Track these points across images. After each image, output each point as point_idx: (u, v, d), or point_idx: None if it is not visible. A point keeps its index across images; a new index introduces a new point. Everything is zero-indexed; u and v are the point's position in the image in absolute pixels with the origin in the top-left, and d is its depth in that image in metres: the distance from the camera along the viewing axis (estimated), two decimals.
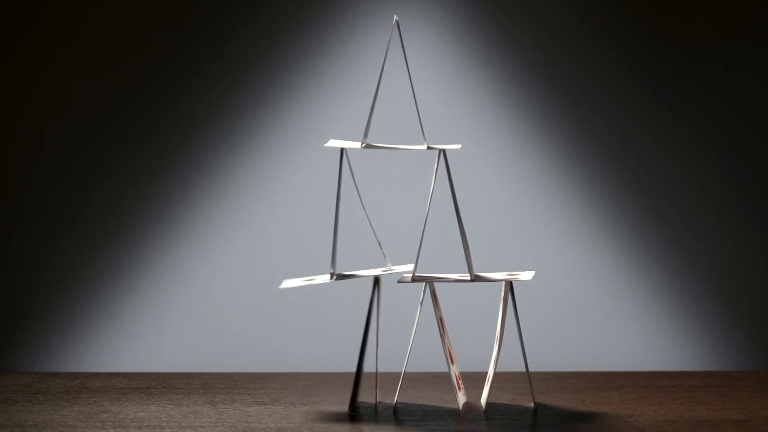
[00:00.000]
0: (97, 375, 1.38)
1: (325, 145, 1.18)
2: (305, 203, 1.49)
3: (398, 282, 1.18)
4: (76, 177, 1.49)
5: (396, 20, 1.16)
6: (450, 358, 1.19)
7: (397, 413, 1.14)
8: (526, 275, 1.16)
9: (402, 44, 1.17)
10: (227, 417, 1.11)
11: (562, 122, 1.48)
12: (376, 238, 1.23)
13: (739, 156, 1.48)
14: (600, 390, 1.26)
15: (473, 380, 1.25)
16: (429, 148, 1.18)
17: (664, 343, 1.47)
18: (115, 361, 1.47)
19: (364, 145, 1.18)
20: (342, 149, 1.18)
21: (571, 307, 1.48)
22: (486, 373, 1.18)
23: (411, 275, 1.17)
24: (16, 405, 1.18)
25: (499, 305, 1.18)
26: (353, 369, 1.44)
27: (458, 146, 1.19)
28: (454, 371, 1.19)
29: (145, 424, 1.08)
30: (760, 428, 1.06)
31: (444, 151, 1.17)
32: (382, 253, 1.22)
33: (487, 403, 1.17)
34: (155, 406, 1.18)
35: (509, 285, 1.16)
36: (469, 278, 1.16)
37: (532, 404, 1.17)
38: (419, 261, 1.17)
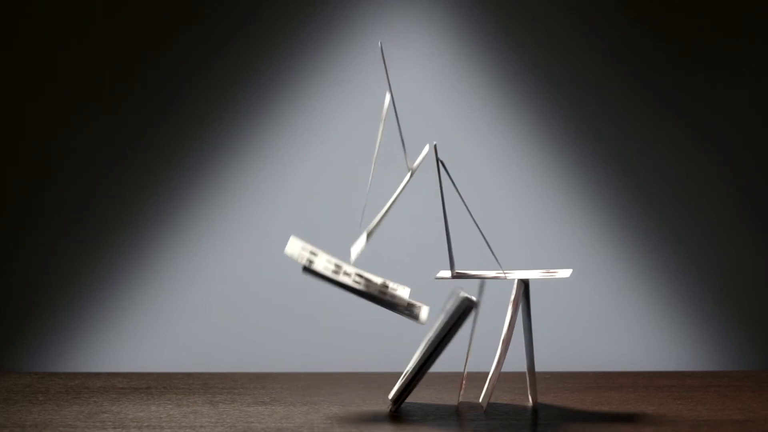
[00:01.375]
0: (97, 375, 1.38)
1: (351, 265, 1.12)
2: (305, 203, 1.49)
3: (436, 278, 1.16)
4: (76, 177, 1.49)
5: (380, 45, 1.15)
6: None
7: (397, 413, 1.14)
8: (564, 273, 1.14)
9: (385, 67, 1.15)
10: (227, 417, 1.11)
11: (562, 122, 1.48)
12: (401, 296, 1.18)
13: (739, 156, 1.48)
14: (600, 390, 1.26)
15: (474, 380, 1.25)
16: (412, 172, 1.15)
17: (664, 343, 1.47)
18: (115, 361, 1.47)
19: (367, 236, 1.12)
20: (307, 267, 1.10)
21: (571, 307, 1.48)
22: (487, 373, 1.18)
23: (450, 272, 1.15)
24: (16, 405, 1.18)
25: (504, 305, 1.17)
26: (352, 369, 1.44)
27: (426, 149, 1.15)
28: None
29: (145, 424, 1.08)
30: (760, 428, 1.06)
31: (442, 162, 1.13)
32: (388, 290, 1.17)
33: (488, 403, 1.17)
34: (155, 406, 1.18)
35: (522, 286, 1.14)
36: (505, 278, 1.14)
37: (530, 403, 1.17)
38: (454, 259, 1.15)
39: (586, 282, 1.47)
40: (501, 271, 1.15)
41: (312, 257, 1.10)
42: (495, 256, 1.15)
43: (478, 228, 1.15)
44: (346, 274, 1.10)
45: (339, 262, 1.11)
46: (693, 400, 1.19)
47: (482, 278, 1.15)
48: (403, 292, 1.13)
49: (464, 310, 1.11)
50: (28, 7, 1.50)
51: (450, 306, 1.13)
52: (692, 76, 1.47)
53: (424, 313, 1.12)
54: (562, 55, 1.48)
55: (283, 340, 1.48)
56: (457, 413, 1.14)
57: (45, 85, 1.49)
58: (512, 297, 1.13)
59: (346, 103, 1.48)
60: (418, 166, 1.15)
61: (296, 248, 1.11)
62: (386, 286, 1.13)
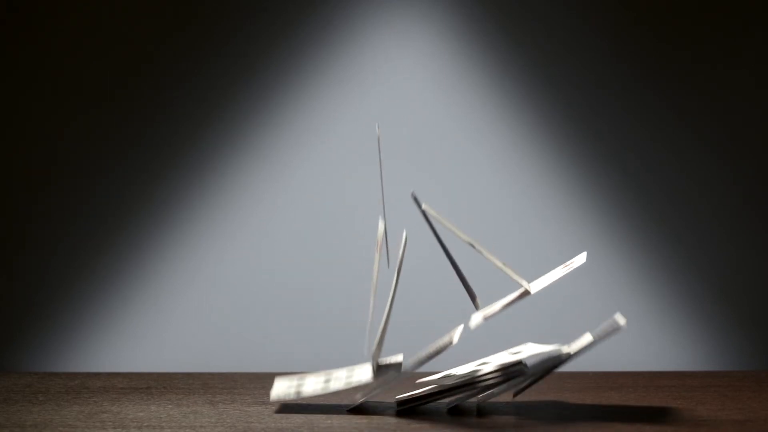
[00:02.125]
0: (97, 375, 1.38)
1: (336, 370, 1.14)
2: (305, 203, 1.49)
3: (472, 326, 1.14)
4: (76, 177, 1.49)
5: (377, 129, 1.13)
6: None
7: (397, 411, 1.14)
8: (579, 260, 1.13)
9: (380, 156, 1.13)
10: (227, 417, 1.11)
11: (561, 122, 1.48)
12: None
13: (739, 156, 1.48)
14: (600, 390, 1.26)
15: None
16: (398, 270, 1.12)
17: (664, 343, 1.47)
18: (115, 361, 1.47)
19: (373, 365, 1.13)
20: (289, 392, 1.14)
21: (571, 307, 1.48)
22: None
23: (481, 316, 1.11)
24: (16, 405, 1.18)
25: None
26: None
27: (403, 239, 1.13)
28: None
29: (145, 424, 1.08)
30: (760, 428, 1.06)
31: (426, 212, 1.11)
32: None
33: (486, 402, 1.17)
34: (155, 406, 1.17)
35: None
36: (529, 292, 1.12)
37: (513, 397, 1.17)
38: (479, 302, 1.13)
39: (586, 282, 1.47)
40: (524, 288, 1.13)
41: (300, 384, 1.14)
42: (515, 277, 1.13)
43: (490, 258, 1.12)
44: (338, 378, 1.14)
45: (326, 374, 1.15)
46: (693, 400, 1.19)
47: (512, 305, 1.13)
48: (395, 358, 1.15)
49: (512, 377, 1.12)
50: (29, 7, 1.50)
51: (508, 361, 1.13)
52: (692, 76, 1.47)
53: (455, 336, 1.11)
54: (562, 55, 1.48)
55: (283, 340, 1.47)
56: (455, 413, 1.14)
57: (45, 86, 1.49)
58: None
59: (346, 103, 1.48)
60: (402, 262, 1.14)
61: (282, 388, 1.15)
62: (378, 366, 1.14)
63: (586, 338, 1.12)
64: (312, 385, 1.14)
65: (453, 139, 1.48)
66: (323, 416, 1.12)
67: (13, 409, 1.16)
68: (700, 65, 1.47)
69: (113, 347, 1.48)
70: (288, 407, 1.16)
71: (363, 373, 1.14)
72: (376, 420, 1.10)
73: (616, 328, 1.09)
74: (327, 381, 1.14)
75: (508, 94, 1.48)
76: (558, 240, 1.48)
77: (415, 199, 1.10)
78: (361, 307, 1.47)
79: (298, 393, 1.13)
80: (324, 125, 1.49)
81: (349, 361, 1.47)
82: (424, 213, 1.11)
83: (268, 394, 1.24)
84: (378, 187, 1.48)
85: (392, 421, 1.10)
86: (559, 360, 1.11)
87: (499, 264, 1.11)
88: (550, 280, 1.13)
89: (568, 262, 1.14)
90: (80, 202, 1.49)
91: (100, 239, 1.49)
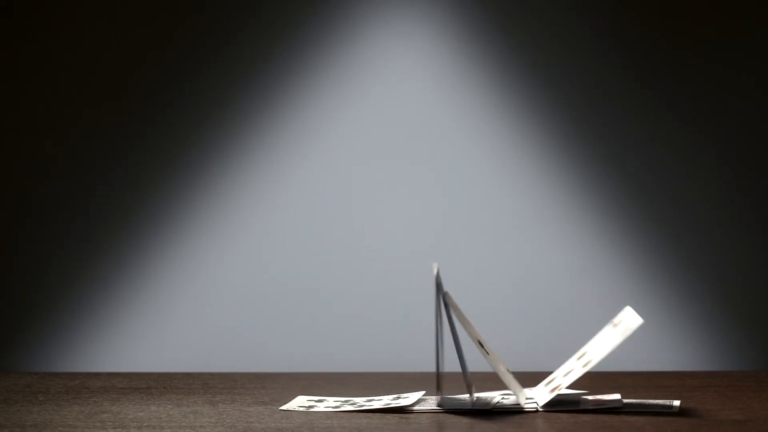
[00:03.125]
0: (97, 375, 1.38)
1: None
2: (305, 203, 1.49)
3: (541, 408, 1.12)
4: (76, 177, 1.49)
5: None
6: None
7: (396, 412, 1.14)
8: (628, 315, 1.13)
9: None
10: (227, 417, 1.11)
11: (562, 122, 1.48)
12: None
13: (739, 156, 1.48)
14: (600, 390, 1.26)
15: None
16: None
17: (664, 343, 1.47)
18: (115, 361, 1.47)
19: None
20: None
21: (571, 307, 1.48)
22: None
23: (541, 403, 1.12)
24: (16, 405, 1.18)
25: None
26: (352, 369, 1.44)
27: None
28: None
29: (145, 424, 1.08)
30: (760, 428, 1.05)
31: (445, 296, 1.11)
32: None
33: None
34: (155, 406, 1.17)
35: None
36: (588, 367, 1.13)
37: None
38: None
39: (586, 282, 1.47)
40: (581, 367, 1.13)
41: (318, 401, 1.16)
42: (514, 389, 1.12)
43: (494, 362, 1.11)
44: (353, 403, 1.14)
45: (344, 399, 1.16)
46: (693, 400, 1.19)
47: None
48: (413, 396, 1.15)
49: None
50: (29, 6, 1.50)
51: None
52: (692, 75, 1.47)
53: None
54: (562, 55, 1.48)
55: (283, 340, 1.48)
56: (464, 413, 1.14)
57: (45, 86, 1.49)
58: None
59: (346, 103, 1.48)
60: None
61: (298, 401, 1.16)
62: (395, 398, 1.15)
63: (614, 396, 1.15)
64: (327, 403, 1.15)
65: (453, 139, 1.48)
66: (323, 416, 1.12)
67: (13, 409, 1.16)
68: (700, 65, 1.47)
69: (113, 347, 1.48)
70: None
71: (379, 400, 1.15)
72: (376, 420, 1.10)
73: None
74: (344, 403, 1.15)
75: (508, 94, 1.48)
76: (558, 240, 1.48)
77: (438, 286, 1.10)
78: (361, 307, 1.47)
79: (309, 408, 1.14)
80: (324, 125, 1.49)
81: (349, 361, 1.47)
82: (444, 298, 1.10)
83: (268, 394, 1.24)
84: (377, 187, 1.48)
85: (393, 420, 1.10)
86: (575, 404, 1.13)
87: (503, 370, 1.11)
88: (605, 352, 1.14)
89: (616, 323, 1.16)
90: (80, 202, 1.49)
91: (100, 239, 1.49)
